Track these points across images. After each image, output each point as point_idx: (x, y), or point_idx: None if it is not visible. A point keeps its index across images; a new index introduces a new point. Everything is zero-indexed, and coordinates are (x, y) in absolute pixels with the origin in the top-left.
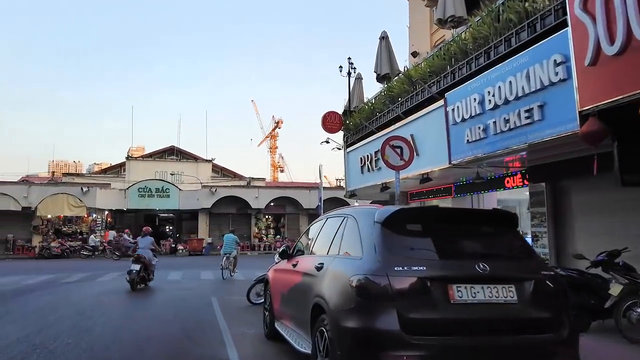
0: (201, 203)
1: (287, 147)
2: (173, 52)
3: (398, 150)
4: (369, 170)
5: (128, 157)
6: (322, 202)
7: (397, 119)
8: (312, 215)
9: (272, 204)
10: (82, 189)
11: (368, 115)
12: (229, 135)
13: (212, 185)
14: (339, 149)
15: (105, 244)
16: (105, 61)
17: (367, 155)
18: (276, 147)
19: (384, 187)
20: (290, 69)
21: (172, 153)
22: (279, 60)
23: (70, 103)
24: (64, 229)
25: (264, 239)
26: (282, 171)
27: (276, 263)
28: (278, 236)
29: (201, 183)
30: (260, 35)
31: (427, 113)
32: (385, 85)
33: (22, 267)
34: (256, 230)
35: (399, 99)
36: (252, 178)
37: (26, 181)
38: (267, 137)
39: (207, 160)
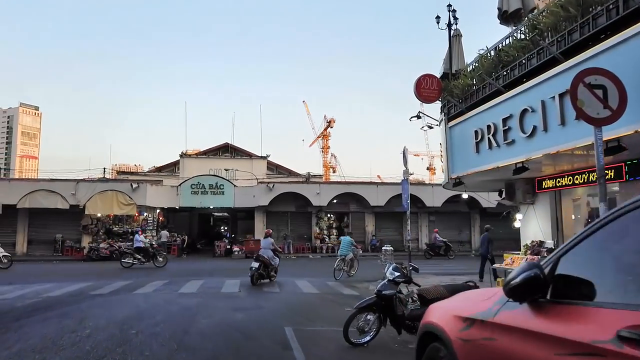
0: (257, 200)
1: (340, 146)
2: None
3: (599, 93)
4: (491, 146)
5: (182, 155)
6: (408, 196)
7: (552, 63)
8: (380, 214)
9: (334, 201)
10: (131, 185)
11: (488, 70)
12: (279, 136)
13: (269, 181)
14: (430, 127)
15: (156, 246)
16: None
17: (490, 126)
18: (328, 147)
19: (520, 168)
20: (344, 67)
21: (226, 151)
22: (331, 57)
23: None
24: (115, 228)
25: (326, 240)
26: (334, 171)
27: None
28: (341, 237)
29: (257, 179)
30: (312, 32)
31: (614, 45)
32: (528, 18)
33: (62, 270)
34: (317, 231)
35: (553, 33)
36: (310, 174)
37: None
38: (318, 137)
39: (262, 157)
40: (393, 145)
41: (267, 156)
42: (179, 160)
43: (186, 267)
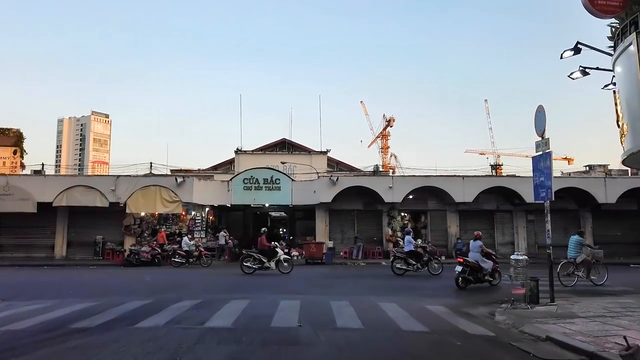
0: (319, 196)
1: (400, 146)
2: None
3: None
4: None
5: (237, 151)
6: (550, 177)
7: None
8: (465, 212)
9: (410, 196)
10: (176, 179)
11: None
12: (336, 138)
13: (333, 174)
14: (585, 71)
15: (202, 249)
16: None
17: None
18: (388, 147)
19: None
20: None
21: (284, 147)
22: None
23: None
24: (163, 229)
25: (400, 242)
26: (394, 172)
27: None
28: (419, 240)
29: (317, 173)
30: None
31: None
32: None
33: (90, 278)
34: (389, 232)
35: None
36: (378, 167)
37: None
38: (377, 137)
39: (321, 152)
40: (457, 145)
41: (328, 151)
42: (234, 158)
43: (233, 277)
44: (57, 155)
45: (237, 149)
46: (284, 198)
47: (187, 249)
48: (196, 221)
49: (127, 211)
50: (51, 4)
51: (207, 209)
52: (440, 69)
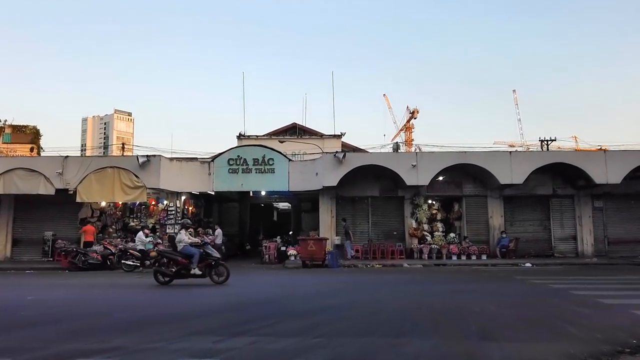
0: (322, 179)
1: (426, 139)
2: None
3: None
4: None
5: (240, 136)
6: None
7: None
8: (512, 198)
9: (440, 178)
10: (137, 159)
11: None
12: (356, 132)
13: (339, 151)
14: None
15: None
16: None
17: None
18: (412, 140)
19: None
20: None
21: (295, 132)
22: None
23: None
24: (133, 223)
25: (427, 239)
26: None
27: None
28: (452, 235)
29: (323, 150)
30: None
31: None
32: None
33: None
34: (413, 225)
35: None
36: (398, 147)
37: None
38: (401, 130)
39: (334, 136)
40: (484, 136)
41: (342, 134)
42: (237, 145)
43: (145, 291)
44: (81, 154)
45: (239, 133)
46: (280, 182)
47: (143, 247)
48: (169, 213)
49: (78, 200)
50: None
51: (183, 198)
52: (465, 53)
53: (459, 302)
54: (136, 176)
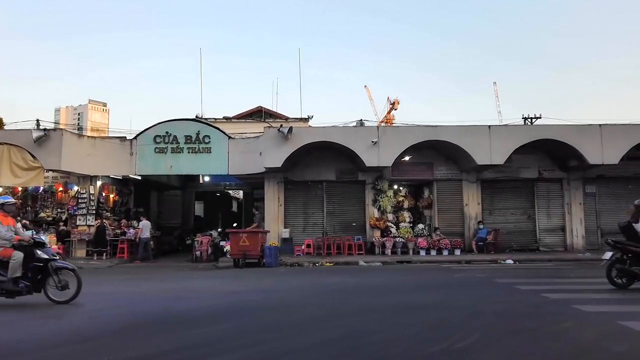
0: (266, 159)
1: None
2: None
3: None
4: None
5: (196, 120)
6: None
7: None
8: (491, 182)
9: (406, 158)
10: (31, 131)
11: None
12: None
13: (284, 124)
14: None
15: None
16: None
17: None
18: None
19: None
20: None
21: (260, 116)
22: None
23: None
24: (44, 214)
25: (392, 230)
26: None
27: None
28: (421, 226)
29: (267, 124)
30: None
31: None
32: None
33: None
34: (376, 214)
35: None
36: (363, 123)
37: None
38: (382, 121)
39: (301, 119)
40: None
41: (309, 117)
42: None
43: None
44: None
45: (195, 116)
46: (217, 164)
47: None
48: (79, 201)
49: None
50: None
51: (99, 183)
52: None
53: (408, 337)
54: (33, 155)
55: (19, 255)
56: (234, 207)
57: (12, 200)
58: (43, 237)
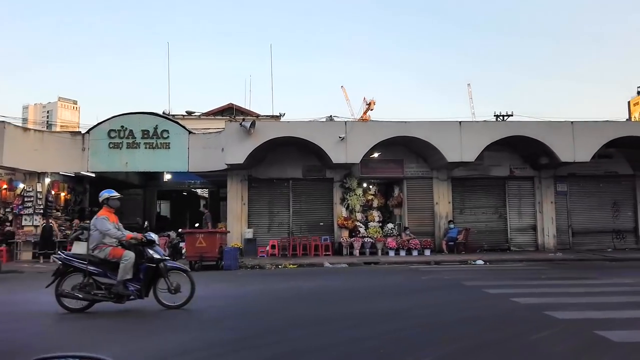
0: (227, 156)
1: None
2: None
3: None
4: None
5: (153, 113)
6: None
7: None
8: (462, 181)
9: (375, 155)
10: None
11: None
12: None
13: (247, 118)
14: None
15: None
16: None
17: None
18: None
19: None
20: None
21: (231, 113)
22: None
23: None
24: None
25: (361, 230)
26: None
27: None
28: (390, 225)
29: (231, 119)
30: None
31: None
32: None
33: None
34: (344, 213)
35: None
36: (332, 119)
37: None
38: (358, 121)
39: (272, 117)
40: None
41: (281, 115)
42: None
43: None
44: None
45: (163, 112)
46: (177, 161)
47: None
48: (25, 200)
49: None
50: None
51: (47, 180)
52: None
53: (360, 355)
54: None
55: (131, 256)
56: (202, 207)
57: (117, 194)
58: (153, 236)
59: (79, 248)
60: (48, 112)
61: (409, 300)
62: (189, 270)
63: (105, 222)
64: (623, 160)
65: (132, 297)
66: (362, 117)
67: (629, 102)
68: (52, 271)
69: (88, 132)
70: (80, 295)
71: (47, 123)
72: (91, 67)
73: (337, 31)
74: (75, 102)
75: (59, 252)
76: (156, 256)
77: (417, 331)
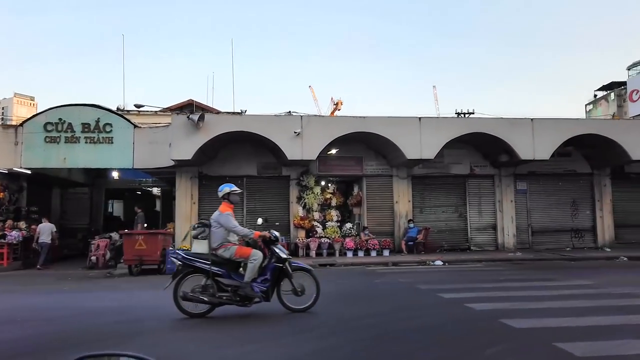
0: (174, 151)
1: None
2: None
3: None
4: None
5: (117, 111)
6: None
7: None
8: (422, 179)
9: (333, 151)
10: None
11: None
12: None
13: (195, 111)
14: None
15: None
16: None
17: None
18: None
19: None
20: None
21: (192, 110)
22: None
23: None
24: None
25: (318, 230)
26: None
27: None
28: (348, 225)
29: (178, 111)
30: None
31: None
32: None
33: None
34: (301, 212)
35: None
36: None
37: None
38: None
39: (233, 114)
40: None
41: (242, 112)
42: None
43: None
44: None
45: (117, 108)
46: (121, 157)
47: None
48: None
49: None
50: None
51: None
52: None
53: None
54: None
55: (259, 255)
56: (158, 207)
57: (238, 189)
58: (276, 233)
59: (199, 247)
60: (3, 108)
61: (357, 307)
62: (313, 269)
63: (232, 218)
64: (581, 159)
65: (257, 299)
66: (329, 116)
67: (585, 106)
68: None
69: (22, 124)
70: (205, 299)
71: (2, 119)
72: (50, 62)
73: (310, 33)
74: (32, 99)
75: (177, 251)
76: (283, 255)
77: (359, 346)
